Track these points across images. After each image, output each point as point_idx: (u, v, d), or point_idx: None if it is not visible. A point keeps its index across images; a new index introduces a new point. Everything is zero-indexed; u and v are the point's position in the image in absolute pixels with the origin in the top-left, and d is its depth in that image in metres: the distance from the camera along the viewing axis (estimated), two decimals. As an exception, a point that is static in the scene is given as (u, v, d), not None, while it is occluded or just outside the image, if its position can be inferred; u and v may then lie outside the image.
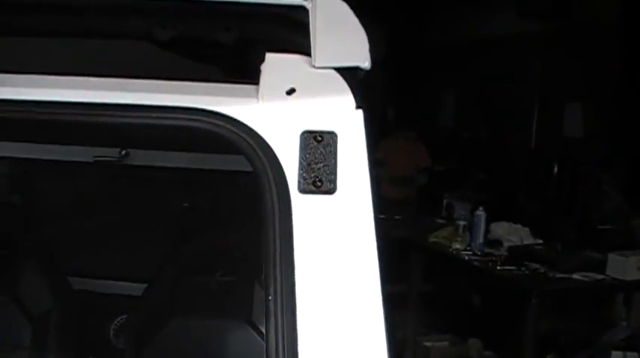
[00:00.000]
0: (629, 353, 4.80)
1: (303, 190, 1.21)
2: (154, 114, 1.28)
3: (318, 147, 1.22)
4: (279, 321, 1.15)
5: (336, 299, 1.17)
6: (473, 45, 8.46)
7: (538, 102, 7.88)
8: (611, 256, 4.58)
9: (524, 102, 7.91)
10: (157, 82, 1.32)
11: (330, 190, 1.21)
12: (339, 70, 1.26)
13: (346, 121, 1.23)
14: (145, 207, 2.92)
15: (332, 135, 1.22)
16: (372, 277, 1.17)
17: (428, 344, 5.40)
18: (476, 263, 4.96)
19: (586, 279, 4.55)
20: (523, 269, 4.70)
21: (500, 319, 5.16)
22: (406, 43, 9.14)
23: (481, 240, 5.07)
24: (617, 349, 4.82)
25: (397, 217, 6.03)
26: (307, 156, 1.22)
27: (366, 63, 1.24)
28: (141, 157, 2.66)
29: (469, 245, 5.13)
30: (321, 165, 1.22)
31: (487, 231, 5.15)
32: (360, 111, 1.24)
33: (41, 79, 1.32)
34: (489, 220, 5.17)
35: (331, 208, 1.20)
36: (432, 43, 9.46)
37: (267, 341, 1.15)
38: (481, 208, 5.14)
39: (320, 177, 1.21)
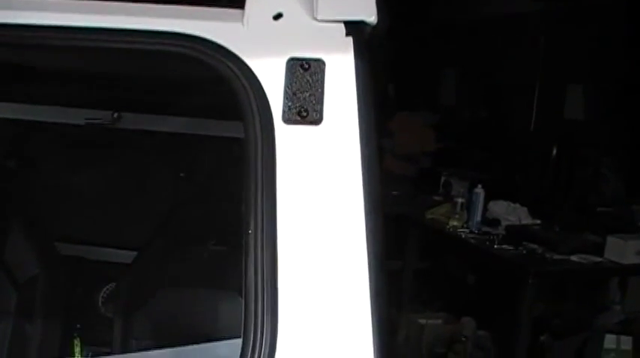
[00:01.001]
0: (622, 337, 4.77)
1: (287, 120, 1.15)
2: (133, 39, 1.21)
3: (305, 75, 1.16)
4: (259, 256, 1.10)
5: (319, 234, 1.11)
6: (476, 23, 8.36)
7: (539, 82, 7.81)
8: (610, 239, 4.52)
9: (526, 82, 7.84)
10: (136, 5, 1.24)
11: (316, 121, 1.15)
12: (342, 22, 1.18)
13: (335, 49, 1.17)
14: (138, 173, 2.85)
15: (319, 63, 1.16)
16: (357, 212, 1.10)
17: (422, 321, 5.35)
18: (472, 241, 4.89)
19: (584, 261, 4.50)
20: (520, 249, 4.64)
21: (495, 298, 5.12)
22: (410, 18, 9.03)
23: (479, 218, 5.01)
24: (611, 332, 4.78)
25: (395, 193, 5.97)
26: (293, 84, 1.16)
27: (372, 17, 1.16)
28: (134, 121, 2.59)
29: (466, 223, 5.06)
30: (307, 94, 1.16)
31: (485, 209, 5.08)
32: (350, 39, 1.17)
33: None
34: (487, 199, 5.10)
35: (316, 140, 1.14)
36: (436, 20, 9.36)
37: (245, 277, 1.09)
38: (480, 186, 5.07)
39: (305, 106, 1.15)
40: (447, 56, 9.01)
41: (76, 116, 2.62)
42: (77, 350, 2.74)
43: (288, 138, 1.15)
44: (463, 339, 5.02)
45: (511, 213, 5.10)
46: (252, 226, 1.12)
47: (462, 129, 8.23)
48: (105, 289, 2.82)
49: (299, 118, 1.15)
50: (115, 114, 2.57)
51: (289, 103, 1.16)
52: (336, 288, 1.10)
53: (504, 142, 7.62)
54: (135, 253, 2.67)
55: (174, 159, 2.83)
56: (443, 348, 5.08)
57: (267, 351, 1.08)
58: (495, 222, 5.05)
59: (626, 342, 4.74)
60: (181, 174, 2.86)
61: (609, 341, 4.73)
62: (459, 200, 5.19)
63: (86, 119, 2.61)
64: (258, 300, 1.09)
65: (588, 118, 7.04)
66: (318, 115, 1.15)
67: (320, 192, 1.12)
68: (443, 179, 6.23)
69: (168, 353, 1.59)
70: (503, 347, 4.74)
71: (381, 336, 1.07)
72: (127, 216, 2.85)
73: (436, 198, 5.93)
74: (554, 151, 7.07)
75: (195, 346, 1.51)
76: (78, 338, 2.69)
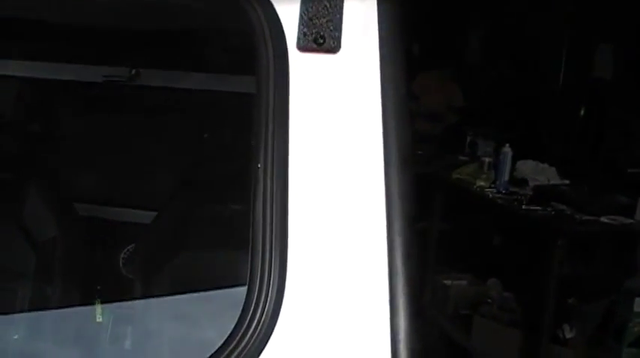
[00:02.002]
0: (653, 301, 4.68)
1: (302, 47, 1.07)
2: None
3: None
4: (268, 192, 1.02)
5: (334, 172, 1.03)
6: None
7: (568, 41, 7.67)
8: (642, 200, 4.42)
9: (554, 41, 7.69)
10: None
11: (333, 49, 1.06)
12: None
13: None
14: (158, 132, 2.79)
15: None
16: (374, 148, 1.01)
17: (447, 282, 5.31)
18: (500, 201, 4.81)
19: (613, 223, 4.40)
20: (549, 209, 4.54)
21: (522, 260, 5.05)
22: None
23: (506, 177, 4.90)
24: (640, 296, 4.70)
25: (420, 153, 5.89)
26: (309, 9, 1.06)
27: None
28: (152, 78, 2.52)
29: (493, 183, 4.96)
30: (325, 20, 1.06)
31: (513, 169, 4.98)
32: None
33: None
34: (515, 159, 5.00)
35: (333, 69, 1.06)
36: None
37: (253, 215, 1.02)
38: (507, 145, 4.97)
39: (322, 33, 1.06)
40: (474, 14, 8.86)
41: (94, 74, 2.55)
42: (99, 311, 2.70)
43: (303, 67, 1.06)
44: (489, 301, 4.97)
45: (539, 173, 5.00)
46: (261, 161, 1.03)
47: (489, 89, 8.11)
48: (125, 250, 2.78)
49: (315, 46, 1.06)
50: (133, 71, 2.49)
51: (305, 30, 1.07)
52: (351, 234, 1.02)
53: (532, 102, 7.50)
54: (154, 213, 2.62)
55: (195, 117, 2.76)
56: (468, 310, 5.04)
57: (274, 297, 1.00)
58: (523, 182, 4.95)
59: (656, 305, 4.66)
60: (205, 136, 2.79)
61: (639, 304, 4.65)
62: (487, 159, 5.11)
63: (104, 76, 2.54)
64: (266, 242, 1.02)
65: (618, 78, 6.91)
66: (336, 43, 1.06)
67: (336, 127, 1.03)
68: (469, 139, 6.12)
69: (174, 300, 1.54)
70: (530, 309, 4.68)
71: (412, 297, 1.00)
72: (148, 176, 2.80)
73: (462, 158, 5.83)
74: (583, 111, 6.95)
75: (203, 293, 1.44)
76: (99, 300, 2.66)
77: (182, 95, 2.58)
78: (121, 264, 2.80)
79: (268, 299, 1.01)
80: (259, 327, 1.01)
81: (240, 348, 1.00)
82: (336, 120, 1.04)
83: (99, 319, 2.74)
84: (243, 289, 1.07)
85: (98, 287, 2.68)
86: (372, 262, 1.00)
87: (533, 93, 7.62)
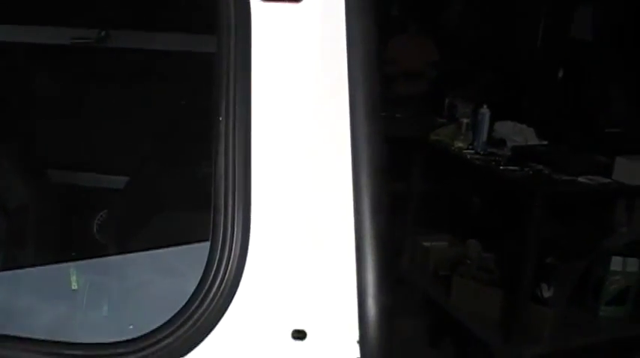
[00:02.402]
0: (629, 259, 4.72)
1: None
2: None
3: None
4: (230, 145, 0.99)
5: (298, 126, 1.00)
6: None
7: (547, 3, 7.64)
8: (619, 160, 4.42)
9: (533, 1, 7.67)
10: None
11: None
12: None
13: None
14: (128, 95, 2.73)
15: None
16: (340, 100, 0.98)
17: (427, 244, 5.32)
18: (478, 162, 4.80)
19: (591, 183, 4.41)
20: (527, 170, 4.54)
21: (501, 221, 5.06)
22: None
23: (484, 138, 4.89)
24: (617, 255, 4.73)
25: (398, 115, 5.86)
26: None
27: None
28: (122, 39, 2.46)
29: (472, 143, 4.95)
30: None
31: (491, 130, 4.96)
32: None
33: None
34: (493, 120, 4.98)
35: (297, 19, 1.02)
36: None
37: (215, 168, 0.99)
38: (485, 106, 4.95)
39: None
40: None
41: (62, 36, 2.49)
42: (73, 278, 2.67)
43: (265, 17, 1.02)
44: (468, 262, 4.99)
45: (517, 134, 4.99)
46: (222, 113, 1.00)
47: (466, 50, 8.08)
48: (99, 216, 2.74)
49: None
50: (103, 33, 2.44)
51: None
52: (315, 189, 0.99)
53: (510, 63, 7.48)
54: (127, 178, 2.58)
55: (167, 78, 2.71)
56: (447, 271, 5.06)
57: (237, 254, 0.98)
58: (501, 143, 4.93)
59: (633, 264, 4.71)
60: (182, 102, 2.74)
61: (616, 263, 4.69)
62: (464, 120, 5.08)
63: (72, 39, 2.48)
64: (229, 197, 0.99)
65: (596, 39, 6.90)
66: None
67: (300, 80, 1.00)
68: (447, 101, 6.09)
69: (138, 256, 1.52)
70: (508, 269, 4.71)
71: (380, 251, 0.98)
72: (121, 140, 2.75)
73: (441, 120, 5.81)
74: (561, 72, 6.94)
75: (170, 249, 1.42)
76: (73, 268, 2.63)
77: (151, 57, 2.52)
78: (95, 230, 2.77)
79: (232, 255, 0.98)
80: (223, 283, 0.99)
81: (203, 307, 0.99)
82: (300, 73, 1.00)
83: (74, 286, 2.71)
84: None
85: (73, 254, 2.65)
86: (338, 216, 0.98)
87: (512, 55, 7.60)
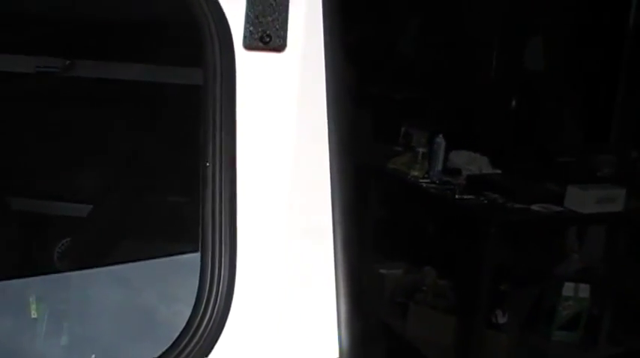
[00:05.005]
0: (581, 285, 4.83)
1: (248, 46, 1.08)
2: None
3: None
4: (217, 190, 1.03)
5: (281, 168, 1.05)
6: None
7: (500, 33, 7.79)
8: (571, 189, 4.54)
9: (487, 32, 7.81)
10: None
11: (280, 47, 1.08)
12: None
13: None
14: (92, 123, 2.75)
15: None
16: (322, 148, 1.03)
17: (382, 271, 5.37)
18: (433, 190, 4.88)
19: (544, 211, 4.51)
20: (481, 198, 4.64)
21: (456, 248, 5.14)
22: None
23: (440, 167, 4.98)
24: (569, 280, 4.84)
25: (357, 144, 5.91)
26: (255, 7, 1.07)
27: None
28: (87, 69, 2.48)
29: (427, 173, 5.03)
30: (270, 18, 1.07)
31: (446, 159, 5.05)
32: None
33: None
34: (449, 149, 5.08)
35: (280, 67, 1.07)
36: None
37: (202, 212, 1.03)
38: (440, 136, 5.04)
39: (268, 31, 1.07)
40: (409, 3, 8.90)
41: (27, 64, 2.50)
42: (33, 307, 2.66)
43: (249, 66, 1.07)
44: (424, 289, 5.05)
45: (472, 163, 5.08)
46: (209, 159, 1.04)
47: (422, 80, 8.19)
48: (60, 244, 2.73)
49: (261, 44, 1.08)
50: (68, 62, 2.45)
51: (251, 28, 1.08)
52: (299, 229, 1.03)
53: (464, 92, 7.60)
54: (90, 206, 2.58)
55: (132, 109, 2.73)
56: (403, 298, 5.11)
57: (224, 292, 1.02)
58: (456, 172, 5.02)
59: (584, 290, 4.82)
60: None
61: (568, 288, 4.80)
62: (420, 150, 5.15)
63: (37, 67, 2.49)
64: (216, 244, 1.03)
65: (548, 69, 7.05)
66: (282, 41, 1.08)
67: (282, 125, 1.05)
68: (403, 130, 6.18)
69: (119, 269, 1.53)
70: (464, 296, 4.78)
71: (353, 281, 1.02)
72: (84, 168, 2.75)
73: (397, 148, 5.89)
74: (514, 102, 7.07)
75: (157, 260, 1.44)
76: (34, 296, 2.61)
77: (118, 86, 2.54)
78: (55, 258, 2.76)
79: (219, 293, 1.02)
80: (212, 319, 1.02)
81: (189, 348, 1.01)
82: (281, 116, 1.05)
83: (34, 315, 2.69)
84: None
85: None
86: (319, 251, 1.03)
87: (466, 85, 7.73)
